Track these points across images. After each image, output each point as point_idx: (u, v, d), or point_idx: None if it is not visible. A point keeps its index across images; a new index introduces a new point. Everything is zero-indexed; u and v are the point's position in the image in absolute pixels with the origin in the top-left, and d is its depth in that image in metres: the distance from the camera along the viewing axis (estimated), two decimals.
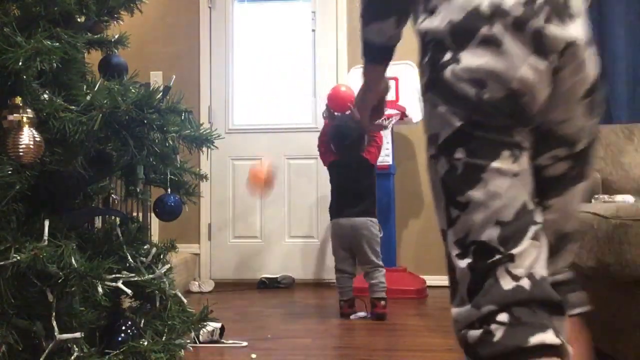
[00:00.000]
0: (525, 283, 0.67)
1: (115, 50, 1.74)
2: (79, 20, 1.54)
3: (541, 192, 0.78)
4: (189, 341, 1.68)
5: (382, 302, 2.38)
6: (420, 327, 2.22)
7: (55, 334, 1.26)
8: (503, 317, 0.65)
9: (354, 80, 3.23)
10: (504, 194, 0.70)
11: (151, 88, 1.39)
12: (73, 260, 1.26)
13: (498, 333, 0.65)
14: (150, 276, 1.57)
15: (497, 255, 0.68)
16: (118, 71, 1.63)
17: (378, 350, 1.87)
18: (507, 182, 0.70)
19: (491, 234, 0.69)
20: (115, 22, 1.67)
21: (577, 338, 0.88)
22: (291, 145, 3.48)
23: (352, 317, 2.41)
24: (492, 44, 0.70)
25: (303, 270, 3.39)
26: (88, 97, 1.34)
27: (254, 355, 1.79)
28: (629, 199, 1.81)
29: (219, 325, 1.95)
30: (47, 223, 1.31)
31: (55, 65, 1.27)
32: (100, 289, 1.29)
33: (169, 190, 1.77)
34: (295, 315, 2.38)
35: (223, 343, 1.93)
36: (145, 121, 1.36)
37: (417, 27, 0.80)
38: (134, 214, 2.03)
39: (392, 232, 3.12)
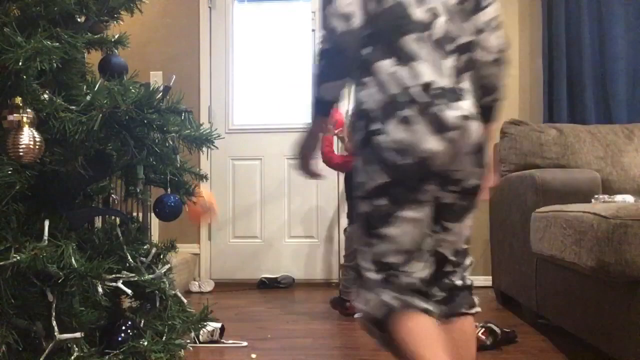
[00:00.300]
0: (411, 281, 1.04)
1: (115, 50, 1.74)
2: (79, 20, 1.54)
3: (443, 217, 1.09)
4: (189, 341, 1.68)
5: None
6: None
7: (55, 334, 1.26)
8: (395, 300, 1.02)
9: None
10: (407, 234, 1.03)
11: (151, 88, 1.39)
12: (73, 260, 1.26)
13: (395, 303, 1.01)
14: (150, 276, 1.57)
15: (397, 271, 1.04)
16: (118, 71, 1.63)
17: (378, 350, 1.87)
18: (410, 226, 1.03)
19: (396, 259, 1.04)
20: (115, 22, 1.67)
21: (474, 331, 1.19)
22: (291, 145, 3.48)
23: (356, 315, 2.41)
24: (407, 123, 0.99)
25: (303, 270, 3.39)
26: (88, 97, 1.34)
27: (254, 355, 1.79)
28: (629, 199, 1.81)
29: (219, 325, 1.95)
30: (47, 223, 1.32)
31: (55, 65, 1.27)
32: (100, 289, 1.30)
33: (169, 190, 1.77)
34: (295, 315, 2.38)
35: (223, 343, 1.93)
36: (145, 121, 1.36)
37: (355, 93, 1.07)
38: (134, 214, 2.03)
39: None
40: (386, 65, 1.02)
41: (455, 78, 1.04)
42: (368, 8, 1.03)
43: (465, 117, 1.01)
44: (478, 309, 1.16)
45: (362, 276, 1.08)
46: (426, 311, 1.02)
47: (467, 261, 1.16)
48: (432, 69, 1.01)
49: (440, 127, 0.99)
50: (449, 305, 1.13)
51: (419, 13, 1.03)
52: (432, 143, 0.99)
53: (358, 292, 1.11)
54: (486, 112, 1.15)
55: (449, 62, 1.04)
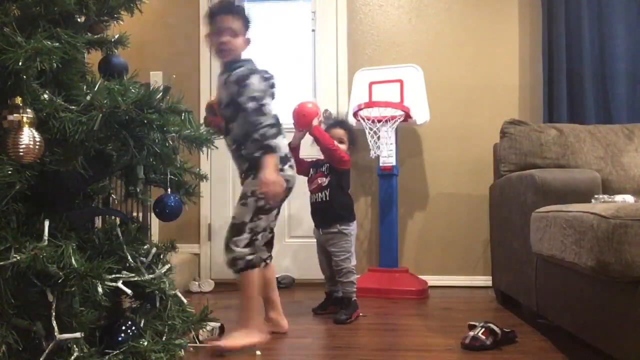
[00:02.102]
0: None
1: (115, 50, 1.74)
2: (79, 20, 1.54)
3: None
4: (188, 341, 1.68)
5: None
6: (420, 327, 2.22)
7: (55, 334, 1.26)
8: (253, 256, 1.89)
9: (357, 83, 3.25)
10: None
11: (151, 88, 1.39)
12: (73, 260, 1.26)
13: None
14: (150, 276, 1.57)
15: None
16: (118, 71, 1.63)
17: (378, 350, 1.87)
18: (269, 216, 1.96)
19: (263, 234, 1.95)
20: (115, 22, 1.67)
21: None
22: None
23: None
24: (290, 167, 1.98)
25: (303, 270, 3.39)
26: (88, 97, 1.34)
27: (258, 352, 1.80)
28: (629, 199, 1.81)
29: (218, 324, 1.95)
30: (47, 223, 1.32)
31: (55, 65, 1.27)
32: (100, 289, 1.30)
33: (169, 190, 1.77)
34: (295, 315, 2.37)
35: None
36: (145, 121, 1.37)
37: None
38: (134, 214, 2.03)
39: (395, 233, 3.12)
40: (281, 139, 1.95)
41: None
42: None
43: (293, 176, 2.05)
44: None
45: (239, 234, 1.88)
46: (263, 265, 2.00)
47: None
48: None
49: (288, 176, 1.96)
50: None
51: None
52: (295, 178, 2.02)
53: (234, 243, 1.87)
54: None
55: None
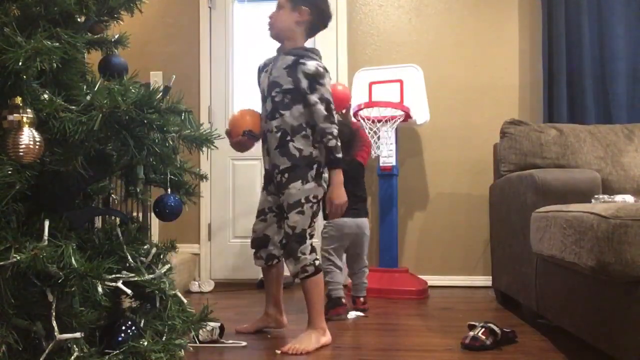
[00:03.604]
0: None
1: (115, 50, 1.74)
2: (79, 20, 1.54)
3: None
4: (188, 341, 1.68)
5: (362, 299, 2.56)
6: (421, 327, 2.22)
7: (55, 334, 1.26)
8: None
9: (357, 83, 3.25)
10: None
11: (151, 88, 1.39)
12: (73, 260, 1.26)
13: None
14: (150, 276, 1.57)
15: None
16: (118, 71, 1.63)
17: (378, 350, 1.87)
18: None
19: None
20: (115, 22, 1.67)
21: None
22: None
23: (349, 316, 2.43)
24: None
25: None
26: (88, 97, 1.34)
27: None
28: (629, 199, 1.81)
29: (218, 324, 1.95)
30: (47, 223, 1.31)
31: (55, 65, 1.27)
32: (100, 289, 1.29)
33: (169, 190, 1.77)
34: (295, 315, 2.37)
35: (223, 343, 1.93)
36: (145, 121, 1.36)
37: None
38: (134, 214, 2.03)
39: (395, 233, 3.12)
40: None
41: None
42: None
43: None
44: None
45: (303, 242, 1.93)
46: None
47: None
48: None
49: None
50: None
51: None
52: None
53: (301, 250, 1.92)
54: None
55: None
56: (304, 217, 1.90)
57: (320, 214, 2.09)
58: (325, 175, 1.95)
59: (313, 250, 1.93)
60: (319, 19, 1.99)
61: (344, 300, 2.44)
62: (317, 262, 1.92)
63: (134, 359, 1.39)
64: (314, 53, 1.99)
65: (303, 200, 1.90)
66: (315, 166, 1.93)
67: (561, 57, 3.19)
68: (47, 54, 1.24)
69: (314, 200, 1.92)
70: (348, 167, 2.52)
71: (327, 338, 1.92)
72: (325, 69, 1.94)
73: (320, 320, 1.94)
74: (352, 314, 2.45)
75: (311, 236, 1.94)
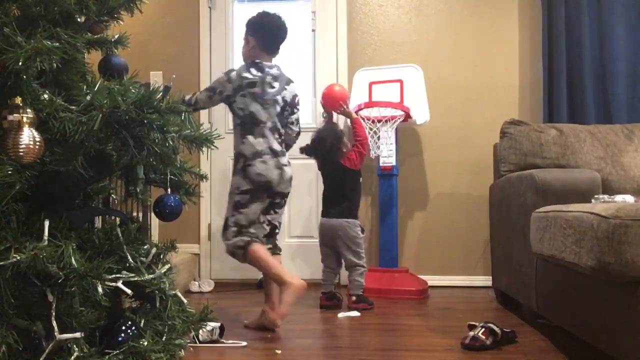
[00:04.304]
0: (251, 234, 2.18)
1: (115, 50, 1.74)
2: (79, 20, 1.54)
3: (273, 207, 2.23)
4: (188, 341, 1.68)
5: (353, 298, 2.63)
6: (420, 327, 2.22)
7: (55, 334, 1.26)
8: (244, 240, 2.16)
9: (357, 83, 3.25)
10: (251, 213, 2.18)
11: (151, 88, 1.39)
12: (73, 260, 1.26)
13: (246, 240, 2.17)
14: (150, 276, 1.57)
15: (244, 229, 2.18)
16: (118, 71, 1.64)
17: (378, 350, 1.87)
18: (252, 209, 2.19)
19: (245, 223, 2.19)
20: (115, 22, 1.67)
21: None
22: None
23: (339, 315, 2.44)
24: (264, 163, 2.17)
25: (303, 270, 3.39)
26: (88, 97, 1.34)
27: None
28: (629, 199, 1.81)
29: (218, 324, 1.95)
30: (47, 223, 1.32)
31: (55, 65, 1.27)
32: (100, 289, 1.30)
33: (169, 190, 1.77)
34: (295, 315, 2.37)
35: (223, 343, 1.93)
36: (145, 121, 1.36)
37: (238, 146, 2.25)
38: (134, 214, 2.03)
39: (395, 233, 3.12)
40: (251, 138, 2.17)
41: (280, 146, 2.23)
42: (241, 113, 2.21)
43: (285, 165, 2.21)
44: (280, 255, 2.33)
45: (227, 229, 2.19)
46: (261, 242, 2.19)
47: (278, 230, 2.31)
48: (273, 141, 2.20)
49: (278, 166, 2.18)
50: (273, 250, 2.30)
51: (263, 116, 2.19)
52: (274, 173, 2.16)
53: (225, 236, 2.19)
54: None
55: (278, 138, 2.23)
56: (228, 205, 2.23)
57: (286, 210, 2.42)
58: (255, 164, 2.17)
59: (237, 235, 2.16)
60: (263, 39, 2.32)
61: (329, 296, 2.67)
62: (240, 244, 2.14)
63: (134, 359, 1.39)
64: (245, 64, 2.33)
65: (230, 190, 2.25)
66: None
67: (561, 57, 3.19)
68: (47, 54, 1.24)
69: (236, 191, 2.19)
70: (332, 169, 2.74)
71: (294, 285, 2.07)
72: (231, 69, 2.30)
73: (279, 277, 2.09)
74: (341, 314, 2.45)
75: (238, 225, 2.17)
